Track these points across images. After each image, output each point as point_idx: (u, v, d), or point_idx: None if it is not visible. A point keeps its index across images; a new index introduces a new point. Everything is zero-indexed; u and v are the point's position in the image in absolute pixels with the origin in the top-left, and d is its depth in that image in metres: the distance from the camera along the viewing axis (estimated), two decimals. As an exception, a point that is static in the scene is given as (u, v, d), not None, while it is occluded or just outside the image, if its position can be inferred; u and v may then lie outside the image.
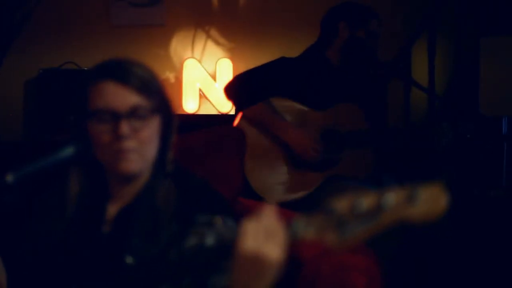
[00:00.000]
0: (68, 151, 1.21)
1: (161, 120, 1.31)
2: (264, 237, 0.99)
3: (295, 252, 1.37)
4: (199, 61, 3.70)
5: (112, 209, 1.34)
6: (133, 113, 1.25)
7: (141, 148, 1.27)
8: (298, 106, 2.43)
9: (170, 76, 3.77)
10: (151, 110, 1.28)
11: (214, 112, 3.67)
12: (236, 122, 2.45)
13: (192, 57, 3.73)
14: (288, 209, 1.70)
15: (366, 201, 0.96)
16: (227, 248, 1.03)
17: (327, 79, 2.50)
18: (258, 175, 2.37)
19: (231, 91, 2.49)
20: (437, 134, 2.30)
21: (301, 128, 2.38)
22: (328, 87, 2.49)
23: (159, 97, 1.31)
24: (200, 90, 3.66)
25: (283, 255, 1.00)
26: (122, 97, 1.25)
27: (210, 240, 1.06)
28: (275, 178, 2.39)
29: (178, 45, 3.78)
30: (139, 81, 1.27)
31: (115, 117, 1.24)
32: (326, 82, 2.50)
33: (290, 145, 2.38)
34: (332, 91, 2.49)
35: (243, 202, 1.90)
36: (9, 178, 1.12)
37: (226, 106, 3.65)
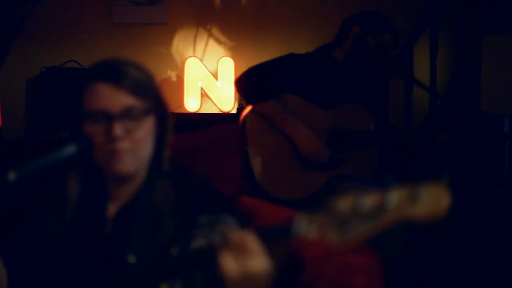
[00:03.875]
0: (70, 150, 1.21)
1: (156, 120, 1.32)
2: (243, 258, 1.03)
3: (297, 253, 1.37)
4: (201, 60, 3.70)
5: (112, 209, 1.34)
6: (126, 114, 1.26)
7: (135, 148, 1.27)
8: (306, 103, 2.44)
9: (172, 74, 3.77)
10: (145, 111, 1.28)
11: (215, 110, 3.67)
12: (244, 114, 2.45)
13: (194, 55, 3.73)
14: (291, 207, 1.70)
15: (368, 200, 0.96)
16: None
17: (330, 77, 2.51)
18: (265, 171, 2.37)
19: (243, 84, 2.49)
20: (439, 144, 2.32)
21: (310, 130, 2.39)
22: (332, 85, 2.50)
23: (154, 98, 1.31)
24: (201, 88, 3.66)
25: (269, 264, 1.04)
26: (115, 98, 1.26)
27: (215, 241, 1.08)
28: (281, 175, 2.39)
29: (180, 44, 3.78)
30: (133, 82, 1.28)
31: (108, 118, 1.25)
32: (330, 79, 2.51)
33: (298, 146, 2.38)
34: (335, 88, 2.50)
35: (244, 201, 1.89)
36: (11, 176, 1.12)
37: (227, 105, 3.65)
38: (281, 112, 2.39)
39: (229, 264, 1.04)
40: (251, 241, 1.04)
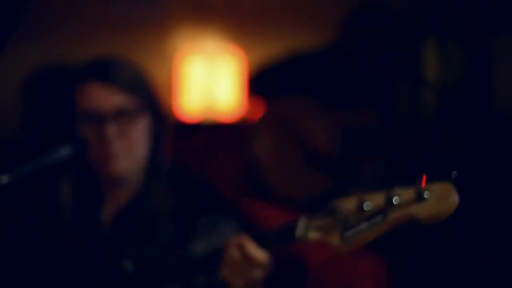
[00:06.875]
0: (65, 152, 1.19)
1: (151, 119, 1.30)
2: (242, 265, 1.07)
3: (302, 258, 1.36)
4: (201, 60, 3.69)
5: (108, 212, 1.32)
6: (119, 114, 1.24)
7: (129, 149, 1.26)
8: (316, 103, 2.43)
9: (171, 75, 3.77)
10: (138, 109, 1.26)
11: (216, 111, 3.66)
12: (253, 112, 2.45)
13: (194, 55, 3.72)
14: (295, 208, 1.69)
15: (373, 201, 0.95)
16: None
17: (337, 77, 2.51)
18: (272, 169, 2.36)
19: (253, 84, 2.50)
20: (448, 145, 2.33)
21: (324, 126, 2.38)
22: (339, 85, 2.50)
23: (147, 95, 1.30)
24: (202, 89, 3.65)
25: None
26: (106, 98, 1.24)
27: (217, 244, 1.11)
28: (288, 175, 2.38)
29: (179, 43, 3.78)
30: (124, 80, 1.26)
31: (101, 119, 1.22)
32: (336, 79, 2.50)
33: (309, 140, 2.37)
34: (342, 89, 2.50)
35: (245, 202, 1.87)
36: (3, 179, 1.10)
37: (228, 105, 3.64)
38: (292, 109, 2.38)
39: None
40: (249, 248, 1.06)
